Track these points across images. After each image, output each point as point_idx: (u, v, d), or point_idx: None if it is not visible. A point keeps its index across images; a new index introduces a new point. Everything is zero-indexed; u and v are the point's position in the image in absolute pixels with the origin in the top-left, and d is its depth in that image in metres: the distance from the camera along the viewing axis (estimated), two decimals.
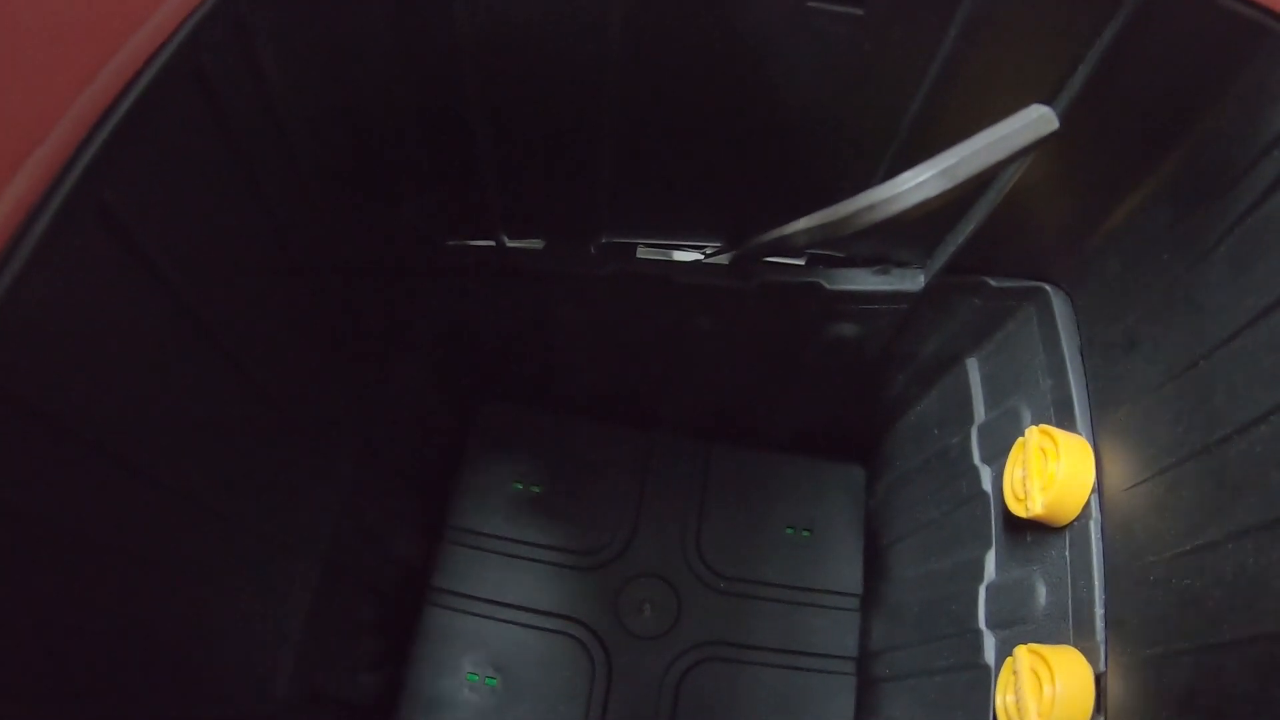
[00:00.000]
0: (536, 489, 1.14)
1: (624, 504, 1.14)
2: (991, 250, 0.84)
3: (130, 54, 0.40)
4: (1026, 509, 0.78)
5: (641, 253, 0.91)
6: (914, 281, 0.88)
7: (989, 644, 0.84)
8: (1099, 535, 0.75)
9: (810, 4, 0.61)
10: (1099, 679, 0.71)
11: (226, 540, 0.64)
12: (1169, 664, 0.64)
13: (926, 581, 1.00)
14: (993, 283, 0.88)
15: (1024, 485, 0.79)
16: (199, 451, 0.58)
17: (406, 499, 1.03)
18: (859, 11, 0.62)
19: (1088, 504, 0.76)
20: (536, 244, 0.91)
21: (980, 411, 0.94)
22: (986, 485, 0.89)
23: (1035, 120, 0.59)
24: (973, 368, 0.98)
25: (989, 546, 0.88)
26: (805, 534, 1.15)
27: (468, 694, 1.03)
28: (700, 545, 1.13)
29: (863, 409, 1.14)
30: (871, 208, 0.63)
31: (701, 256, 0.90)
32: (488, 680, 1.04)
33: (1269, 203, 0.62)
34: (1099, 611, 0.73)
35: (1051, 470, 0.76)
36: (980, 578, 0.87)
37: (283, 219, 0.60)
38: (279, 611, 0.77)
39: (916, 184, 0.60)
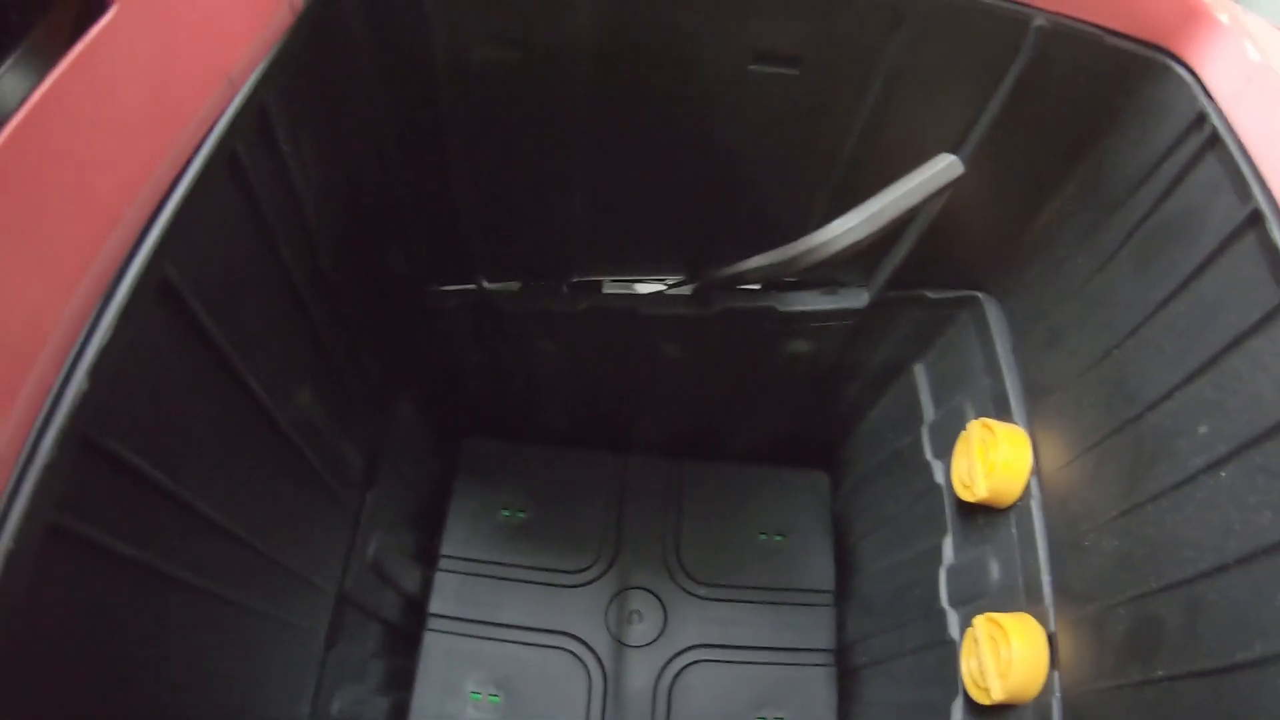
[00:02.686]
0: (522, 514, 1.20)
1: (606, 523, 1.21)
2: (927, 266, 0.93)
3: (181, 147, 0.47)
4: (973, 494, 0.87)
5: (607, 287, 0.99)
6: (859, 299, 0.97)
7: (953, 621, 0.93)
8: (1040, 512, 0.83)
9: (751, 67, 0.70)
10: (1051, 638, 0.80)
11: (256, 572, 0.70)
12: (1108, 617, 0.72)
13: (893, 572, 1.08)
14: (930, 295, 0.97)
15: (969, 474, 0.88)
16: (238, 491, 0.64)
17: (403, 531, 1.09)
18: (794, 72, 0.71)
19: (1028, 485, 0.84)
20: (513, 286, 0.98)
21: (929, 412, 1.03)
22: (939, 478, 0.98)
23: (944, 168, 0.70)
24: (920, 373, 1.07)
25: (946, 533, 0.96)
26: (778, 538, 1.23)
27: (473, 712, 1.09)
28: (680, 556, 1.20)
29: (823, 418, 1.22)
30: (810, 251, 0.75)
31: (664, 288, 0.99)
32: (490, 698, 1.09)
33: (1161, 209, 0.71)
34: (1046, 579, 0.81)
35: (992, 458, 0.85)
36: (940, 561, 0.96)
37: (297, 279, 0.67)
38: (301, 640, 0.83)
39: (845, 230, 0.71)
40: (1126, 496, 0.71)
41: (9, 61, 0.40)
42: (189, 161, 0.48)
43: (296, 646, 0.82)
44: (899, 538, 1.07)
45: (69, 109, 0.40)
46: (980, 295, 0.95)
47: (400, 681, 1.08)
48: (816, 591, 1.20)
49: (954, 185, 0.71)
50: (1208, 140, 0.64)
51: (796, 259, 0.75)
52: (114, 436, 0.46)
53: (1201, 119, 0.65)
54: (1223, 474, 0.61)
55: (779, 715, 1.13)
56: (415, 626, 1.12)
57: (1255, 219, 0.59)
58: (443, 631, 1.12)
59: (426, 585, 1.14)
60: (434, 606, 1.13)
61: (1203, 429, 0.63)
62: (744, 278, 0.85)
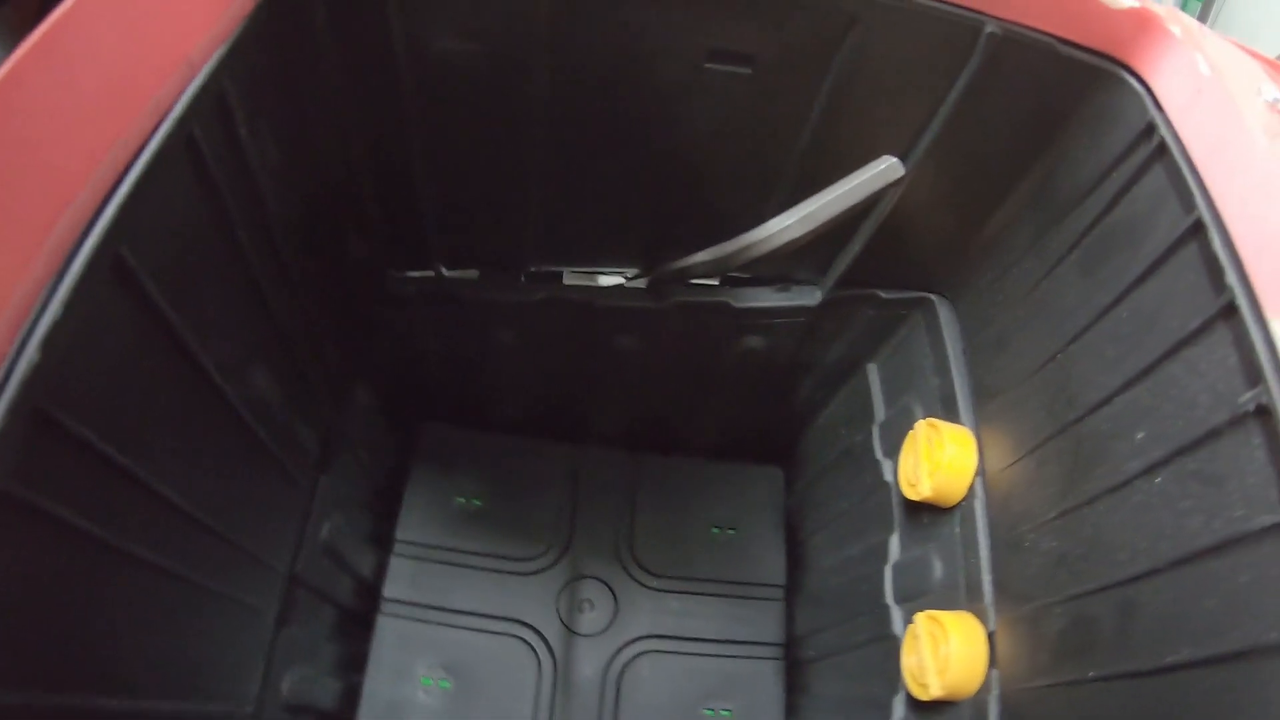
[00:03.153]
0: (477, 502, 1.21)
1: (560, 513, 1.22)
2: (881, 267, 0.95)
3: (139, 129, 0.47)
4: (918, 493, 0.89)
5: (568, 279, 1.00)
6: (811, 297, 0.98)
7: (896, 617, 0.94)
8: (984, 512, 0.85)
9: (707, 65, 0.71)
10: (990, 637, 0.81)
11: (207, 550, 0.70)
12: (1045, 616, 0.74)
13: (841, 568, 1.10)
14: (884, 295, 0.98)
15: (915, 472, 0.89)
16: (190, 469, 0.64)
17: (358, 515, 1.09)
18: (748, 71, 0.72)
19: (973, 485, 0.86)
20: (472, 274, 0.98)
21: (880, 411, 1.05)
22: (888, 476, 1.00)
23: (884, 170, 0.72)
24: (873, 372, 1.08)
25: (893, 531, 0.98)
26: (730, 532, 1.24)
27: (423, 697, 1.09)
28: (633, 547, 1.21)
29: (778, 414, 1.24)
30: (748, 247, 0.78)
31: (624, 281, 0.99)
32: (441, 683, 1.10)
33: (1108, 217, 0.73)
34: (987, 578, 0.83)
35: (937, 457, 0.86)
36: (886, 558, 0.97)
37: (254, 263, 0.67)
38: (251, 620, 0.82)
39: (782, 229, 0.74)
40: (1065, 498, 0.73)
41: None
42: (145, 143, 0.48)
43: (247, 625, 0.82)
44: (849, 534, 1.09)
45: (30, 88, 0.40)
46: (933, 297, 0.97)
47: (352, 664, 1.08)
48: (767, 585, 1.21)
49: (896, 187, 0.73)
50: (1156, 150, 0.66)
51: (737, 255, 0.77)
52: (65, 409, 0.46)
53: (1151, 129, 0.67)
54: (1157, 479, 0.63)
55: (727, 707, 1.14)
56: (368, 610, 1.12)
57: (1197, 229, 0.60)
58: (396, 616, 1.12)
59: (381, 569, 1.14)
60: (388, 591, 1.13)
61: (1140, 434, 0.65)
62: (691, 272, 0.87)
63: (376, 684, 1.08)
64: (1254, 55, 0.72)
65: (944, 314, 0.96)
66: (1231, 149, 0.59)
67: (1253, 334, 0.54)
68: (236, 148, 0.60)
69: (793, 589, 1.21)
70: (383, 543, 1.16)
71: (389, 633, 1.11)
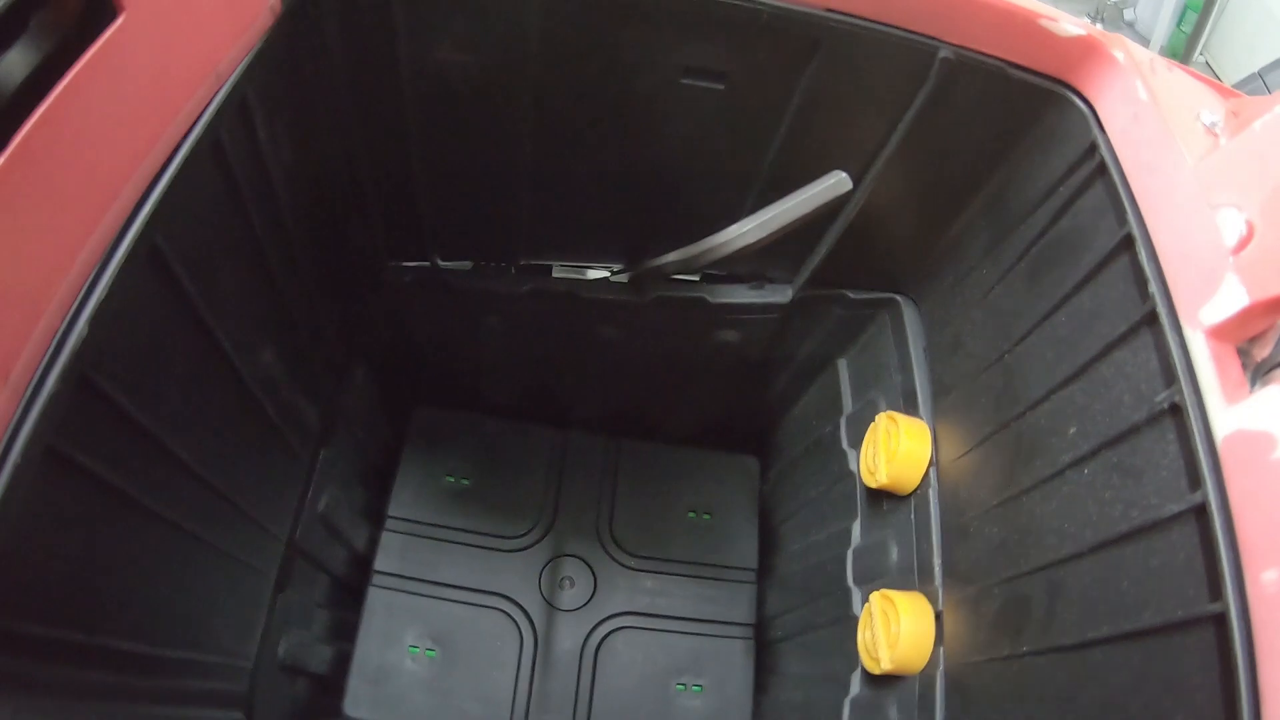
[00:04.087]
0: (466, 481, 1.26)
1: (544, 494, 1.28)
2: (849, 269, 1.01)
3: (173, 133, 0.53)
4: (876, 480, 0.95)
5: (557, 272, 1.05)
6: (783, 295, 1.04)
7: (856, 598, 1.00)
8: (936, 500, 0.91)
9: (683, 81, 0.78)
10: (938, 616, 0.87)
11: (216, 511, 0.76)
12: (986, 596, 0.80)
13: (808, 551, 1.16)
14: (851, 295, 1.04)
15: (874, 461, 0.95)
16: (205, 435, 0.70)
17: (353, 490, 1.14)
18: (720, 87, 0.79)
19: (927, 474, 0.92)
20: (465, 265, 1.04)
21: (848, 404, 1.11)
22: (853, 466, 1.05)
23: (833, 184, 0.80)
24: (843, 367, 1.14)
25: (855, 517, 1.04)
26: (706, 517, 1.30)
27: (410, 664, 1.15)
28: (613, 529, 1.26)
29: (754, 406, 1.30)
30: (712, 249, 0.86)
31: (609, 275, 1.05)
32: (428, 652, 1.15)
33: (1054, 229, 0.79)
34: (937, 562, 0.89)
35: (894, 448, 0.92)
36: (849, 543, 1.03)
37: (268, 251, 0.72)
38: (253, 581, 0.88)
39: (740, 234, 0.83)
40: (1007, 488, 0.79)
41: (15, 47, 0.45)
42: (179, 146, 0.54)
43: (249, 587, 0.88)
44: (816, 520, 1.15)
45: (83, 101, 0.46)
46: (899, 298, 1.03)
47: (344, 632, 1.14)
48: (740, 569, 1.27)
49: (848, 199, 0.80)
50: (1097, 168, 0.72)
51: (703, 255, 0.85)
52: (105, 376, 0.52)
53: (1093, 149, 0.73)
54: (1085, 470, 0.69)
55: (698, 682, 1.21)
56: (360, 581, 1.18)
57: (1128, 243, 0.66)
58: (386, 588, 1.18)
59: (373, 544, 1.20)
60: (379, 564, 1.19)
61: (1072, 429, 0.71)
62: (665, 269, 0.93)
63: (366, 651, 1.14)
64: (1207, 81, 0.77)
65: (908, 314, 1.02)
66: (1161, 169, 0.65)
67: (1170, 340, 0.60)
68: (255, 147, 0.66)
69: (763, 572, 1.27)
70: (375, 518, 1.22)
71: (379, 603, 1.17)
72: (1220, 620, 0.52)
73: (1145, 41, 2.48)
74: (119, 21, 0.47)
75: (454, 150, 0.85)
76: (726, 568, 1.27)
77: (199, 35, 0.54)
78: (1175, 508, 0.58)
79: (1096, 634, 0.64)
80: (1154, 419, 0.61)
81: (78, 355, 0.47)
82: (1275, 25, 2.35)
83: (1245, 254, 0.55)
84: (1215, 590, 0.53)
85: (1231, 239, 0.56)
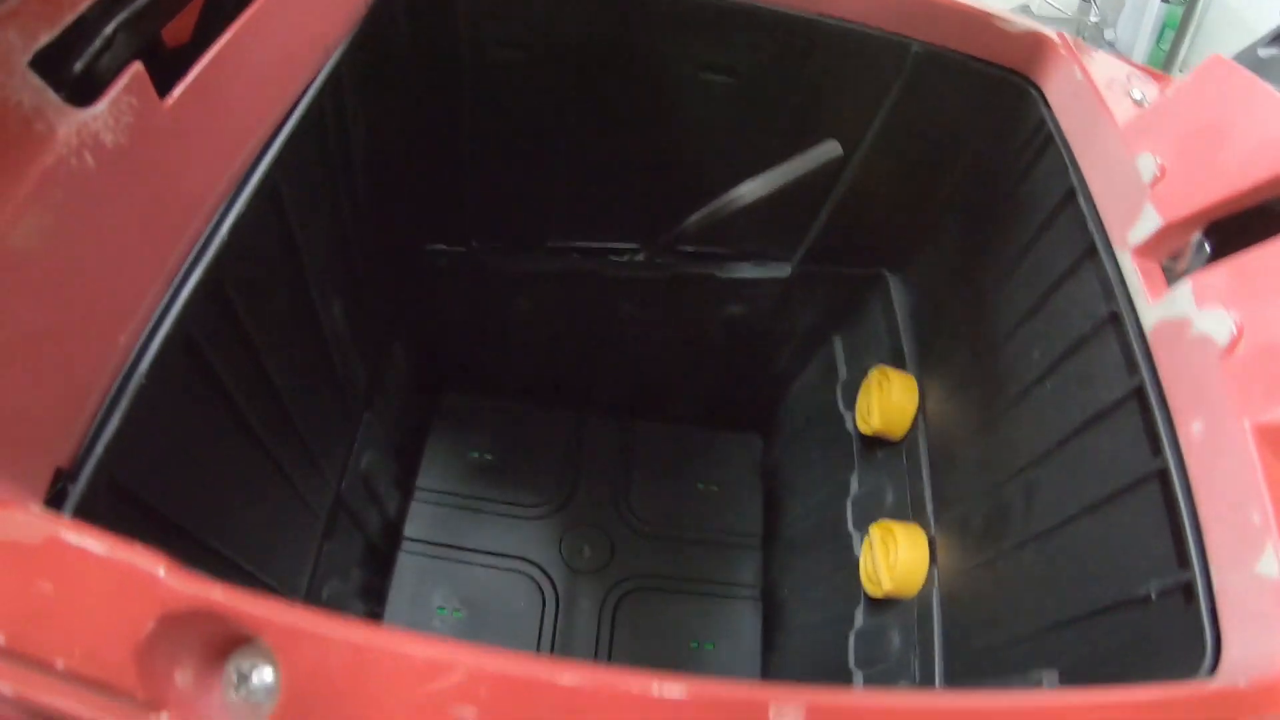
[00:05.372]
0: (490, 457, 1.37)
1: (564, 469, 1.38)
2: (841, 247, 1.14)
3: (291, 96, 0.65)
4: (869, 427, 1.06)
5: (580, 253, 1.18)
6: (782, 270, 1.17)
7: (856, 542, 1.11)
8: (924, 441, 1.03)
9: (701, 74, 0.93)
10: (931, 541, 0.98)
11: (292, 442, 0.87)
12: (972, 511, 0.91)
13: (811, 512, 1.26)
14: (844, 271, 1.17)
15: (868, 410, 1.07)
16: (290, 370, 0.81)
17: (389, 458, 1.24)
18: (732, 80, 0.93)
19: (916, 420, 1.04)
20: (498, 247, 1.16)
21: (843, 371, 1.23)
22: (849, 427, 1.17)
23: (826, 149, 0.94)
24: (838, 342, 1.26)
25: (853, 470, 1.15)
26: (714, 488, 1.41)
27: (439, 625, 1.24)
28: (629, 499, 1.37)
29: (758, 384, 1.41)
30: (725, 205, 1.00)
31: (629, 255, 1.18)
32: (455, 613, 1.25)
33: (1015, 194, 0.91)
34: (928, 494, 1.00)
35: (886, 397, 1.04)
36: (847, 494, 1.14)
37: (344, 209, 0.85)
38: (309, 521, 0.98)
39: (748, 189, 0.97)
40: (985, 414, 0.90)
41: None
42: (296, 105, 0.66)
43: (304, 525, 0.98)
44: (817, 480, 1.26)
45: (231, 61, 0.57)
46: (886, 273, 1.16)
47: (375, 595, 1.23)
48: (746, 535, 1.38)
49: (839, 164, 0.95)
50: (1045, 139, 0.85)
51: (717, 212, 0.97)
52: (231, 286, 0.63)
53: (1042, 123, 0.86)
54: (1048, 384, 0.80)
55: (710, 640, 1.30)
56: (391, 548, 1.27)
57: (1071, 194, 0.79)
58: (415, 554, 1.28)
59: (403, 512, 1.30)
60: (409, 531, 1.29)
61: (1035, 353, 0.83)
62: (685, 232, 1.06)
63: (397, 611, 1.23)
64: (1140, 68, 0.91)
65: (895, 287, 1.15)
66: (1094, 130, 0.78)
67: (1105, 264, 0.73)
68: (341, 119, 0.78)
69: (769, 538, 1.37)
70: (405, 489, 1.32)
71: (409, 568, 1.27)
72: (1163, 474, 0.64)
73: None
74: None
75: (502, 137, 0.98)
76: (734, 534, 1.37)
77: (318, 14, 0.67)
78: (1119, 393, 0.70)
79: (1064, 514, 0.75)
80: (1098, 328, 0.73)
81: (218, 258, 0.57)
82: (1251, 40, 2.50)
83: (1159, 187, 0.69)
84: (1156, 448, 0.65)
85: (1148, 177, 0.69)
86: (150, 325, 0.54)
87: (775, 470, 1.42)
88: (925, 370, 1.06)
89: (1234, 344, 0.61)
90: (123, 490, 0.52)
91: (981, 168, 0.96)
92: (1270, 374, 0.58)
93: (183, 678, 0.28)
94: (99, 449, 0.47)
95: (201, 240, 0.58)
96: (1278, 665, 0.51)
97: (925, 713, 0.39)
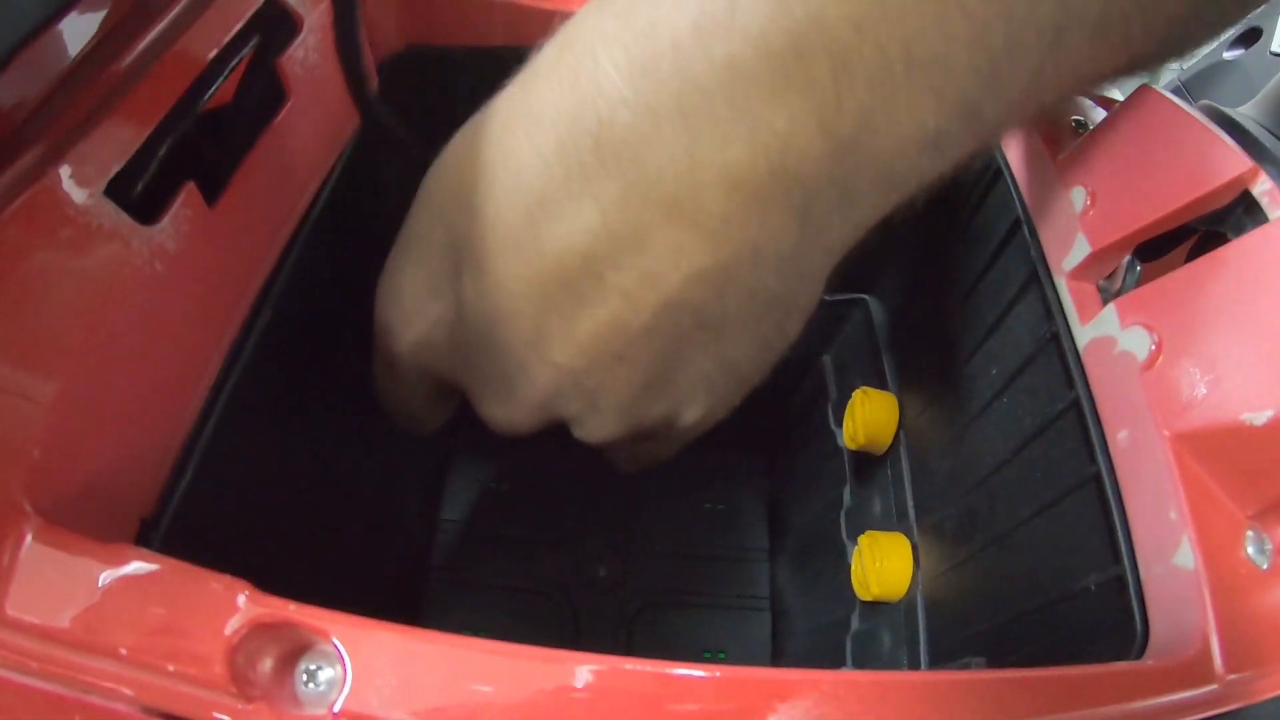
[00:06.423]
0: (507, 486, 1.46)
1: (577, 494, 1.47)
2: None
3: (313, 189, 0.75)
4: (855, 443, 1.14)
5: None
6: None
7: (849, 550, 1.19)
8: (906, 454, 1.11)
9: None
10: (914, 547, 1.06)
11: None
12: (946, 520, 0.99)
13: (810, 523, 1.34)
14: (827, 298, 1.25)
15: (853, 429, 1.15)
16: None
17: (415, 489, 1.34)
18: None
19: (898, 434, 1.12)
20: None
21: (833, 391, 1.31)
22: (840, 442, 1.25)
23: None
24: (827, 363, 1.35)
25: (846, 484, 1.23)
26: (721, 507, 1.49)
27: None
28: (640, 520, 1.45)
29: (759, 406, 1.48)
30: None
31: None
32: (479, 634, 1.33)
33: (971, 224, 1.00)
34: (910, 504, 1.08)
35: (868, 415, 1.12)
36: (841, 506, 1.22)
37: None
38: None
39: None
40: (954, 428, 0.98)
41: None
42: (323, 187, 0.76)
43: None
44: (815, 495, 1.34)
45: (261, 164, 0.66)
46: (867, 297, 1.24)
47: (408, 615, 1.32)
48: (753, 549, 1.46)
49: None
50: (995, 173, 0.93)
51: None
52: (275, 351, 0.73)
53: (992, 159, 0.94)
54: (1004, 399, 0.88)
55: (721, 652, 1.38)
56: (420, 575, 1.37)
57: (1017, 224, 0.87)
58: (441, 583, 1.37)
59: (429, 545, 1.39)
60: (434, 560, 1.38)
61: (993, 371, 0.91)
62: None
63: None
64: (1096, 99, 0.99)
65: (875, 310, 1.23)
66: (1034, 165, 0.87)
67: (1046, 289, 0.81)
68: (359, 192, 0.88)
69: (774, 551, 1.45)
70: (430, 521, 1.41)
71: (435, 594, 1.35)
72: (1097, 478, 0.72)
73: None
74: (289, 104, 0.70)
75: None
76: (741, 549, 1.45)
77: (328, 120, 0.77)
78: (1060, 406, 0.78)
79: (1020, 518, 0.83)
80: (1041, 347, 0.81)
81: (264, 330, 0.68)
82: None
83: (1088, 216, 0.77)
84: (1091, 456, 0.72)
85: (1079, 207, 0.77)
86: (212, 389, 0.62)
87: (777, 487, 1.50)
88: (904, 389, 1.14)
89: (1152, 359, 0.69)
90: (199, 534, 0.61)
91: (941, 198, 1.04)
92: (1183, 386, 0.66)
93: (264, 675, 0.37)
94: (175, 499, 0.56)
95: (250, 313, 0.68)
96: (1194, 646, 0.58)
97: (857, 684, 0.47)
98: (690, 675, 0.45)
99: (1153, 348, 0.69)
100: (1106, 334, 0.73)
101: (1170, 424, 0.66)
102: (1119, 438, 0.71)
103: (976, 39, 0.39)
